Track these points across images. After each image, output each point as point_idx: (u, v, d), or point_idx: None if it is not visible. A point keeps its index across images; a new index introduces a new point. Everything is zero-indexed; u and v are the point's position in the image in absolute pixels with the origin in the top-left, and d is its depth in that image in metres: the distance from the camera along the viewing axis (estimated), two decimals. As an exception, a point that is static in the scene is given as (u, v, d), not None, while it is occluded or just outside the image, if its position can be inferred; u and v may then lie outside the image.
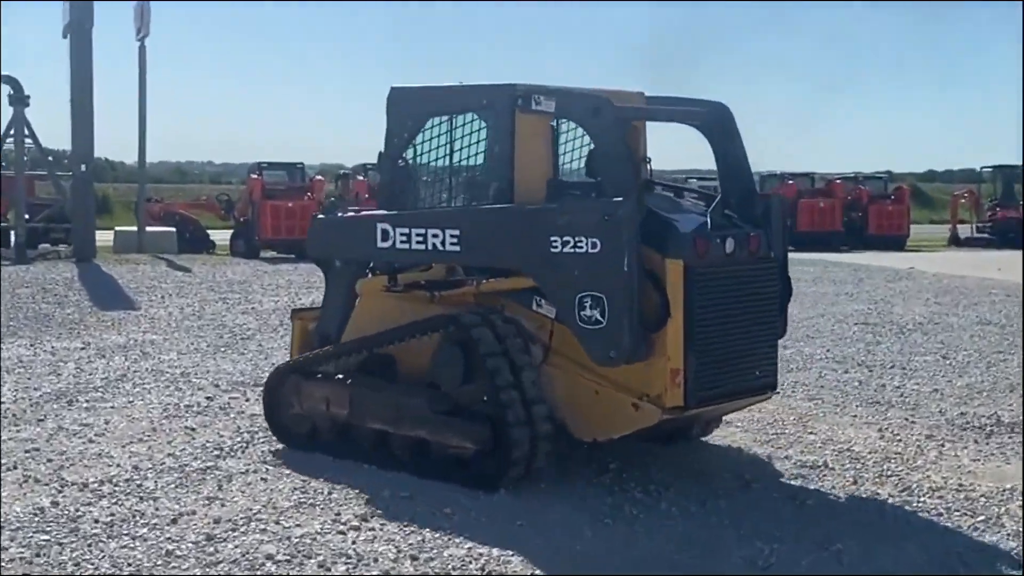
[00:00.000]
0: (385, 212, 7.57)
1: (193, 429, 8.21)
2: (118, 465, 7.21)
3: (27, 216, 24.54)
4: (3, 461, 7.25)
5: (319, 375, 7.62)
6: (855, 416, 9.03)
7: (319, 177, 29.26)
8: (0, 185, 25.82)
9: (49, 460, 7.32)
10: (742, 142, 7.47)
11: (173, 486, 6.77)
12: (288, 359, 8.28)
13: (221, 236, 28.62)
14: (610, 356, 6.55)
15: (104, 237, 25.37)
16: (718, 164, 7.50)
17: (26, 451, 7.53)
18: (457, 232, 7.10)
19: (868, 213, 33.50)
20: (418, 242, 7.26)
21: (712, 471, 7.28)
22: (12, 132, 24.21)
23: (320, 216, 8.31)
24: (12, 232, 23.33)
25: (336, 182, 31.40)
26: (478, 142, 7.36)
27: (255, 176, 27.59)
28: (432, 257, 7.39)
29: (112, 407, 8.92)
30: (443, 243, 7.16)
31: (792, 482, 7.16)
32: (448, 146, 7.45)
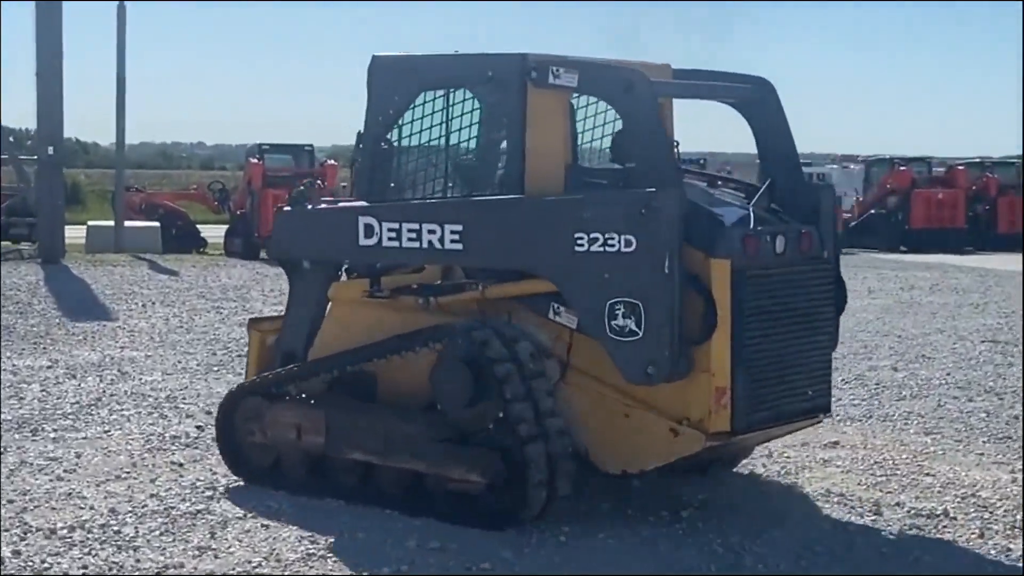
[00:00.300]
0: (369, 203, 7.56)
1: (181, 465, 8.25)
2: (92, 508, 7.26)
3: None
4: (-45, 501, 7.33)
5: (287, 397, 7.67)
6: (982, 454, 8.95)
7: (331, 161, 29.38)
8: None
9: (10, 501, 7.37)
10: (787, 123, 7.57)
11: (157, 533, 6.80)
12: (246, 378, 8.23)
13: (214, 232, 28.85)
14: (647, 373, 6.62)
15: (75, 233, 25.63)
16: (759, 149, 7.62)
17: (-18, 490, 7.63)
18: (459, 228, 7.11)
19: (997, 206, 33.18)
20: (410, 239, 7.27)
21: (808, 521, 7.23)
22: (-34, 108, 24.59)
23: (286, 208, 8.23)
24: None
25: (352, 167, 31.46)
26: (480, 121, 7.41)
27: (255, 160, 27.70)
28: (427, 257, 7.40)
29: (84, 438, 9.00)
30: (441, 240, 7.17)
31: (906, 534, 7.11)
32: (443, 125, 7.46)
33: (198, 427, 9.30)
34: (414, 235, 7.24)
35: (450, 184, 7.49)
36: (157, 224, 27.48)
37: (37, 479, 7.86)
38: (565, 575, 6.25)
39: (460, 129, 7.40)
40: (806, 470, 8.29)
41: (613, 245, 6.63)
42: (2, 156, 25.57)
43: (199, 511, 7.19)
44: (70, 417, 9.65)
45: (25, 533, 6.77)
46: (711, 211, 6.89)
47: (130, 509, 7.22)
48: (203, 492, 7.58)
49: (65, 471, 8.05)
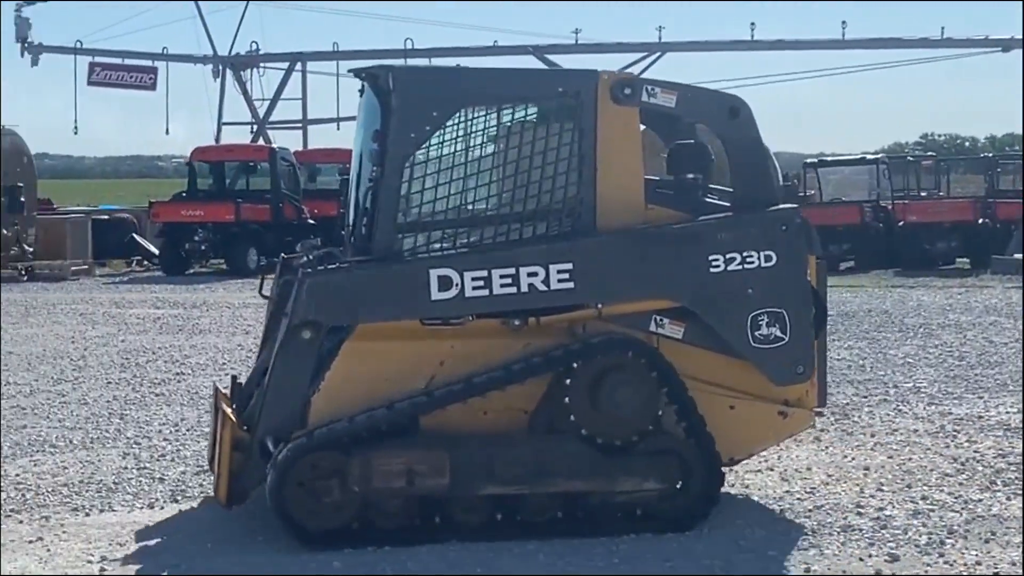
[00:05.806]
0: (441, 254, 7.68)
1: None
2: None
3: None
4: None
5: (384, 446, 7.49)
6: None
7: None
8: None
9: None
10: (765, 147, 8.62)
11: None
12: (288, 448, 7.58)
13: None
14: (797, 373, 7.88)
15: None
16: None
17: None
18: (569, 266, 7.60)
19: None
20: (504, 284, 7.58)
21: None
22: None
23: (319, 269, 7.86)
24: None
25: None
26: (539, 139, 7.74)
27: None
28: (525, 301, 7.65)
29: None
30: (546, 282, 7.60)
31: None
32: (493, 144, 7.86)
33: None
34: (508, 280, 7.58)
35: (499, 208, 7.83)
36: None
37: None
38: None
39: (513, 148, 7.75)
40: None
41: (752, 262, 7.75)
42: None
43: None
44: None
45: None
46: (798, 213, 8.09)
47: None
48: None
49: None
